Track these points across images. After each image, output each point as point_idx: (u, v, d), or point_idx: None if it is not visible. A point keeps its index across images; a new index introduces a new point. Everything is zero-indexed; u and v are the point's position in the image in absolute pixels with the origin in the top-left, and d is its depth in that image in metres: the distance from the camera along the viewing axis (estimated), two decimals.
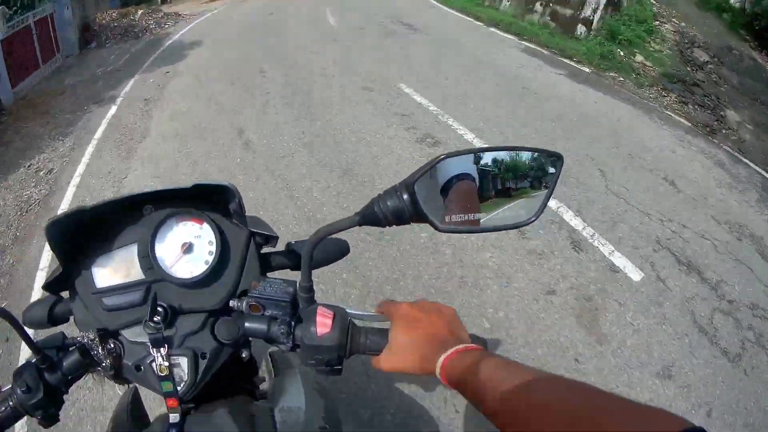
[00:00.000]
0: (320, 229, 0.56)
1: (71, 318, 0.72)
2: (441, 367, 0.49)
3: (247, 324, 0.62)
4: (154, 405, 0.85)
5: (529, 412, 0.38)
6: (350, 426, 0.78)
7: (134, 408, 0.76)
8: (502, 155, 0.53)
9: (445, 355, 0.50)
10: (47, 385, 0.60)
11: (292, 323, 0.60)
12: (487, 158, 0.52)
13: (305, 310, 0.60)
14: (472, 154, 0.52)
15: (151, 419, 0.74)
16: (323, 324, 0.57)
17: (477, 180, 0.52)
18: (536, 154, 0.54)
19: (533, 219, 0.54)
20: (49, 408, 0.61)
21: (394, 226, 0.53)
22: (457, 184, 0.52)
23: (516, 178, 0.53)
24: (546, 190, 0.54)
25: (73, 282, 0.69)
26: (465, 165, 0.52)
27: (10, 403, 0.60)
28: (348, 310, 0.62)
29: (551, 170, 0.54)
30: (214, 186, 0.66)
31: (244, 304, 0.63)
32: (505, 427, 0.41)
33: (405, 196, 0.51)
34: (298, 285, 0.62)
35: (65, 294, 0.72)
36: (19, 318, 0.62)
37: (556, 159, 0.54)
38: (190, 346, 0.64)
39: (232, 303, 0.65)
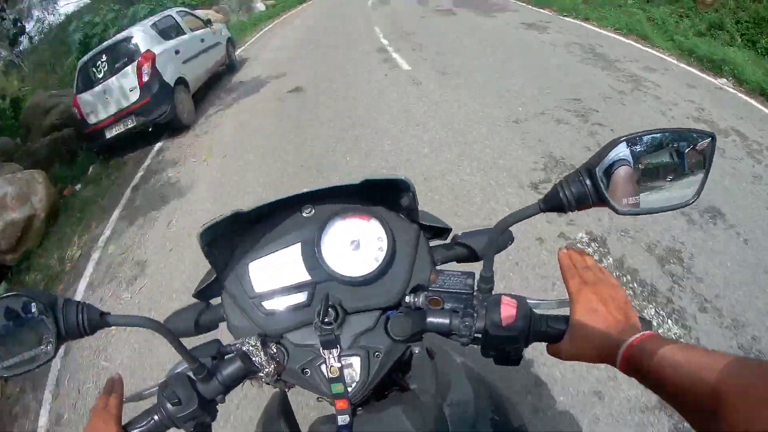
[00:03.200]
0: (504, 219, 0.56)
1: (218, 326, 0.72)
2: (622, 358, 0.49)
3: (429, 319, 0.59)
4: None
5: (719, 391, 0.38)
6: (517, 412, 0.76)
7: (285, 413, 0.74)
8: (656, 138, 0.53)
9: (624, 348, 0.49)
10: (202, 397, 0.59)
11: (475, 315, 0.58)
12: (640, 141, 0.53)
13: (488, 299, 0.58)
14: (626, 139, 0.53)
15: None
16: (508, 313, 0.56)
17: (632, 163, 0.53)
18: (688, 133, 0.54)
19: (694, 199, 0.54)
20: (203, 419, 0.59)
21: (576, 211, 0.54)
22: (617, 169, 0.52)
23: (671, 161, 0.54)
24: (702, 170, 0.54)
25: (227, 287, 0.67)
26: (620, 150, 0.53)
27: (155, 417, 0.58)
28: (527, 300, 0.60)
29: (704, 148, 0.54)
30: (387, 180, 0.62)
31: (422, 298, 0.61)
32: (690, 409, 0.41)
33: (588, 181, 0.51)
34: (478, 276, 0.61)
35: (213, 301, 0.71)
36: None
37: (709, 138, 0.54)
38: (362, 345, 0.63)
39: (407, 299, 0.63)
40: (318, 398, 0.68)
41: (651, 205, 0.54)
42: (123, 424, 0.59)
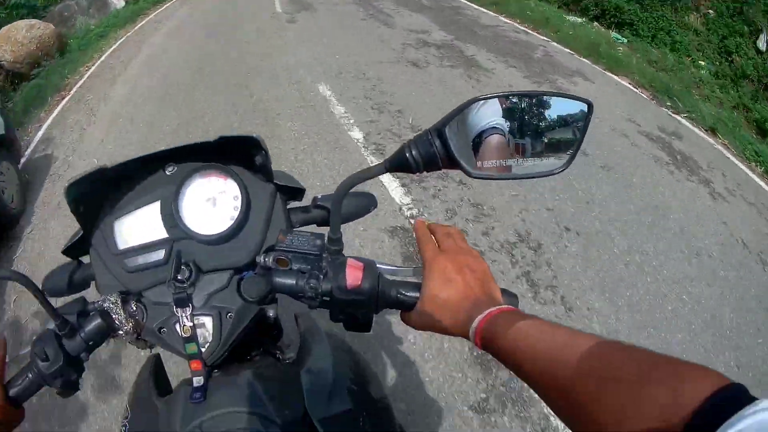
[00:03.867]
0: (348, 178, 0.55)
1: (92, 284, 0.71)
2: (476, 330, 0.47)
3: (275, 278, 0.59)
4: (178, 373, 0.83)
5: (573, 371, 0.37)
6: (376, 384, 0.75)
7: (157, 375, 0.75)
8: (529, 101, 0.52)
9: (480, 318, 0.47)
10: (67, 353, 0.59)
11: (321, 277, 0.57)
12: (514, 104, 0.51)
13: (334, 262, 0.58)
14: (499, 100, 0.51)
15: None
16: (353, 276, 0.55)
17: (506, 131, 0.52)
18: (565, 99, 0.52)
19: (563, 168, 0.53)
20: (69, 376, 0.59)
21: (425, 172, 0.52)
22: (487, 138, 0.51)
23: (544, 126, 0.52)
24: (576, 139, 0.53)
25: (94, 245, 0.67)
26: (493, 115, 0.51)
27: (29, 374, 0.58)
28: (378, 264, 0.60)
29: (579, 117, 0.53)
30: (240, 138, 0.63)
31: (271, 258, 0.61)
32: (545, 391, 0.40)
33: (437, 142, 0.50)
34: (326, 238, 0.60)
35: (85, 260, 0.70)
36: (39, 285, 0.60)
37: (586, 105, 0.53)
38: (215, 305, 0.63)
39: (258, 259, 0.62)
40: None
41: (521, 171, 0.52)
42: (5, 382, 0.59)
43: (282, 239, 0.61)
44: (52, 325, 0.60)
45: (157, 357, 0.80)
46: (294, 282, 0.58)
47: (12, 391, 0.58)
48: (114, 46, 6.50)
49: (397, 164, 0.52)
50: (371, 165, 0.54)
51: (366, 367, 0.75)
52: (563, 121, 0.53)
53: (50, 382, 0.58)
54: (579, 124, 0.53)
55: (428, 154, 0.50)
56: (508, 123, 0.51)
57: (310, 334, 0.75)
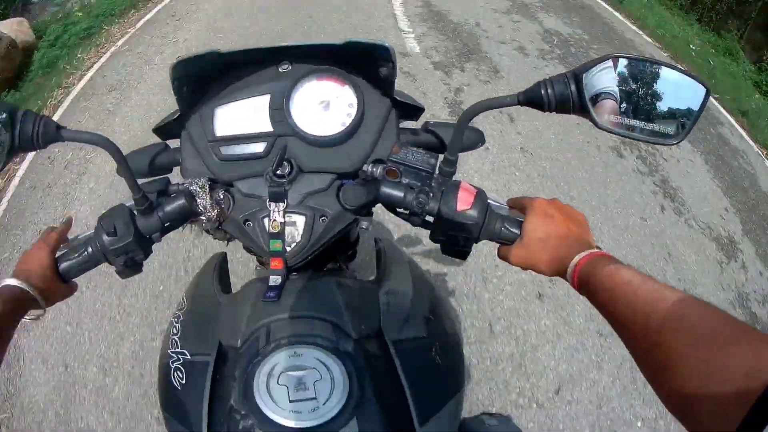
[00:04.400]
0: (476, 104, 0.55)
1: (173, 170, 0.70)
2: (574, 270, 0.48)
3: (382, 188, 0.57)
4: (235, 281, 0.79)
5: (663, 324, 0.38)
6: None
7: (221, 273, 0.73)
8: (653, 68, 0.53)
9: (579, 258, 0.48)
10: (138, 231, 0.57)
11: (431, 195, 0.56)
12: (630, 69, 0.53)
13: (447, 183, 0.57)
14: (617, 62, 0.52)
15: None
16: (465, 200, 0.55)
17: (617, 97, 0.53)
18: (685, 77, 0.53)
19: (676, 141, 0.53)
20: (135, 255, 0.57)
21: (554, 112, 0.53)
22: (602, 101, 0.52)
23: (662, 97, 0.53)
24: (691, 118, 0.53)
25: (188, 128, 0.65)
26: (608, 80, 0.53)
27: (89, 249, 0.57)
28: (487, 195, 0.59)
29: (695, 97, 0.54)
30: (370, 45, 0.60)
31: (380, 168, 0.60)
32: (633, 336, 0.41)
33: (573, 86, 0.51)
34: (442, 158, 0.59)
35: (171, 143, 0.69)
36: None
37: (704, 90, 0.54)
38: (310, 205, 0.61)
39: (366, 167, 0.61)
40: (256, 267, 0.66)
41: (632, 132, 0.53)
42: (57, 255, 0.58)
43: (396, 151, 0.60)
44: (128, 203, 0.59)
45: (224, 255, 0.78)
46: (402, 195, 0.57)
47: (63, 266, 0.58)
48: None
49: (531, 99, 0.53)
50: (503, 95, 0.54)
51: (442, 301, 0.72)
52: (678, 97, 0.54)
53: (111, 259, 0.57)
54: (695, 105, 0.54)
55: (562, 96, 0.51)
56: (622, 87, 0.53)
57: (392, 258, 0.73)
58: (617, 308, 0.43)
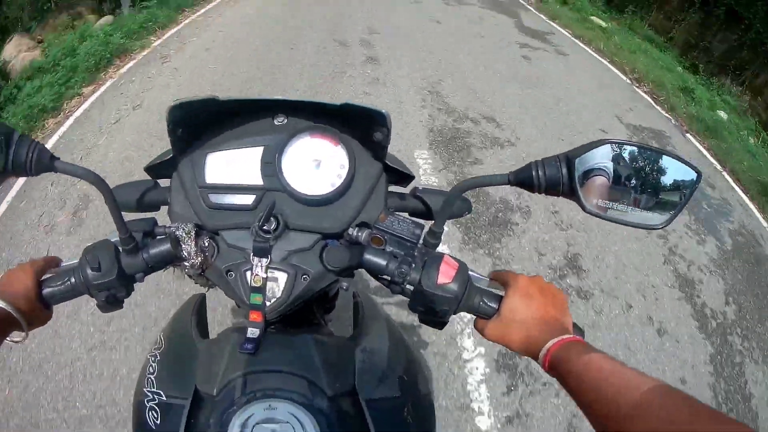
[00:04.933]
0: (469, 179, 0.55)
1: (160, 208, 0.70)
2: (546, 353, 0.49)
3: (365, 255, 0.58)
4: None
5: (632, 411, 0.39)
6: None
7: (199, 317, 0.73)
8: (643, 152, 0.53)
9: (553, 342, 0.49)
10: (122, 269, 0.57)
11: (413, 265, 0.57)
12: (626, 153, 0.52)
13: (431, 254, 0.58)
14: (611, 146, 0.52)
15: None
16: (446, 273, 0.55)
17: (611, 175, 0.53)
18: (677, 161, 0.53)
19: (661, 226, 0.53)
20: (117, 293, 0.58)
21: (543, 194, 0.53)
22: (593, 177, 0.52)
23: (650, 181, 0.53)
24: (678, 202, 0.53)
25: (180, 171, 0.65)
26: (601, 158, 0.53)
27: (72, 279, 0.57)
28: (468, 269, 0.59)
29: (686, 182, 0.53)
30: (366, 110, 0.61)
31: (365, 234, 0.61)
32: (603, 420, 0.42)
33: (564, 169, 0.51)
34: (427, 229, 0.60)
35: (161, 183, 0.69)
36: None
37: (695, 174, 0.53)
38: (293, 263, 0.62)
39: (350, 231, 0.62)
40: (233, 308, 0.67)
41: (618, 216, 0.53)
42: (41, 279, 0.58)
43: (383, 219, 0.61)
44: (113, 238, 0.59)
45: (203, 298, 0.78)
46: (385, 263, 0.58)
47: (46, 291, 0.57)
48: None
49: (521, 179, 0.53)
50: (493, 174, 0.54)
51: (418, 360, 0.73)
52: (669, 182, 0.53)
53: (93, 293, 0.57)
54: (685, 190, 0.53)
55: (553, 179, 0.52)
56: (615, 168, 0.53)
57: (370, 315, 0.74)
58: (588, 395, 0.44)
